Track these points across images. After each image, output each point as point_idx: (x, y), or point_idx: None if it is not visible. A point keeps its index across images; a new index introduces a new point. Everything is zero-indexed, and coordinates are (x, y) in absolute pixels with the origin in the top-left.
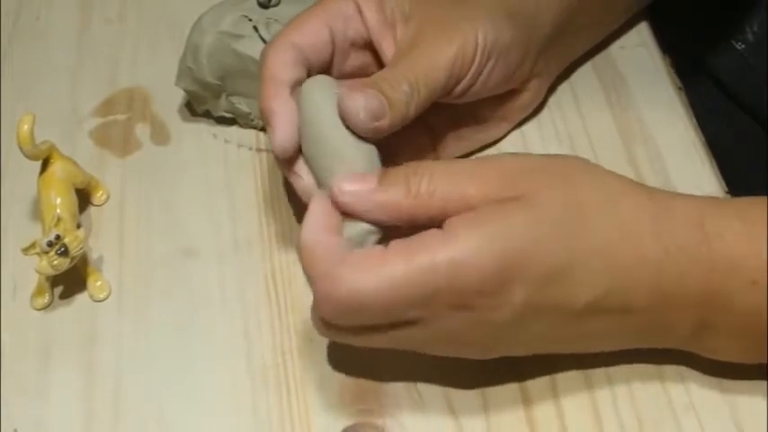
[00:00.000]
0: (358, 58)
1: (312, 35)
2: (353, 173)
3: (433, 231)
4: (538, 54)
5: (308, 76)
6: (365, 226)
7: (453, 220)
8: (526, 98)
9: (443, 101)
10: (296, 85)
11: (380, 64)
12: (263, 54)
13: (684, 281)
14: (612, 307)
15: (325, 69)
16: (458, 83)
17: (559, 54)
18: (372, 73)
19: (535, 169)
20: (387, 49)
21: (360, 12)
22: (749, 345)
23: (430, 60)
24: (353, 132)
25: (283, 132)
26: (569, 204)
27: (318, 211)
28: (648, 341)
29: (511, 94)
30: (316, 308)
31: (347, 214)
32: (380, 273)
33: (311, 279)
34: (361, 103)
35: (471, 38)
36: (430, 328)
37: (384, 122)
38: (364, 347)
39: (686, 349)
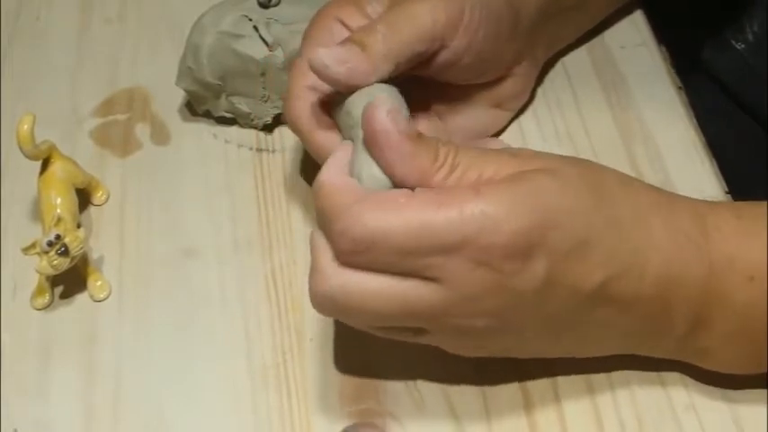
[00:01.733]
0: None
1: None
2: (390, 107)
3: (464, 186)
4: (526, 34)
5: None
6: (381, 176)
7: (483, 182)
8: (516, 84)
9: (443, 76)
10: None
11: None
12: (288, 112)
13: (688, 271)
14: (621, 292)
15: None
16: (445, 41)
17: (547, 38)
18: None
19: (550, 155)
20: None
21: (344, 25)
22: (744, 348)
23: (413, 9)
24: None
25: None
26: (588, 181)
27: (343, 156)
28: (646, 342)
29: (500, 78)
30: (332, 243)
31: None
32: (407, 213)
33: (328, 217)
34: (322, 52)
35: None
36: (446, 288)
37: (355, 64)
38: (364, 345)
39: (682, 356)
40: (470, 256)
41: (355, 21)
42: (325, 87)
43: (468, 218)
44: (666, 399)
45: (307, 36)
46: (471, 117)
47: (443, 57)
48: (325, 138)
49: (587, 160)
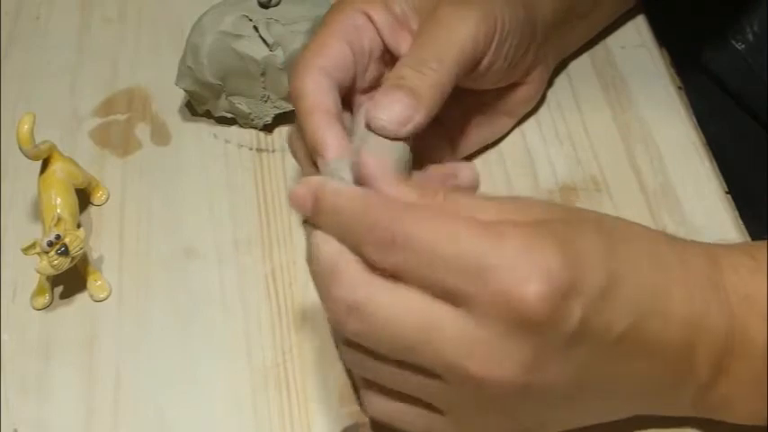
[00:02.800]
0: (376, 69)
1: (336, 56)
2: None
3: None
4: (540, 41)
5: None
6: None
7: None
8: (529, 91)
9: (464, 84)
10: (338, 111)
11: None
12: (294, 84)
13: (709, 312)
14: (647, 336)
15: (351, 87)
16: (483, 56)
17: (558, 45)
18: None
19: (543, 203)
20: (404, 49)
21: (370, 19)
22: (766, 394)
23: (453, 31)
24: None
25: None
26: (599, 229)
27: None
28: (667, 394)
29: (513, 87)
30: (363, 238)
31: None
32: (455, 225)
33: (360, 213)
34: (385, 116)
35: (490, 12)
36: (474, 318)
37: (418, 120)
38: None
39: (702, 410)
40: (502, 290)
41: (381, 16)
42: (339, 75)
43: (509, 249)
44: None
45: (328, 22)
46: (482, 124)
47: (474, 70)
48: (325, 119)
49: (593, 213)
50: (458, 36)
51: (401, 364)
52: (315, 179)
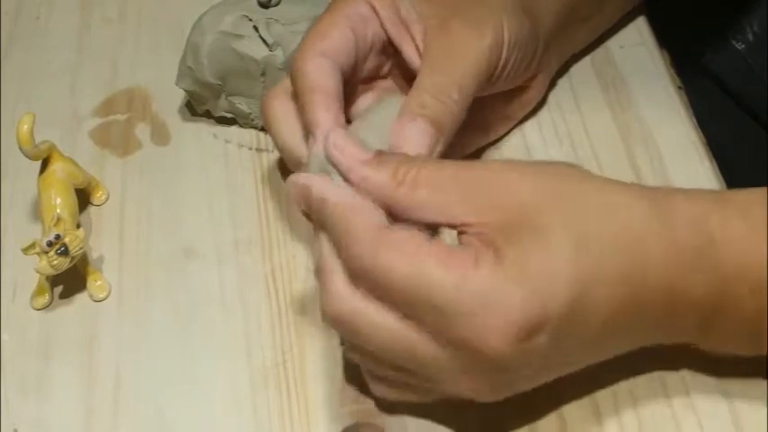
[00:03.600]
0: (374, 61)
1: (339, 41)
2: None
3: (470, 249)
4: (544, 48)
5: None
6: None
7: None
8: (530, 95)
9: None
10: (339, 94)
11: (395, 65)
12: (295, 65)
13: (695, 286)
14: (626, 322)
15: (351, 75)
16: (494, 71)
17: (560, 49)
18: (386, 74)
19: (526, 193)
20: (406, 48)
21: (375, 11)
22: (755, 342)
23: (469, 57)
24: None
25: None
26: (566, 223)
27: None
28: (653, 340)
29: (516, 91)
30: (344, 261)
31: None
32: (413, 260)
33: (343, 237)
34: (411, 147)
35: (499, 30)
36: (447, 351)
37: (439, 149)
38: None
39: (688, 341)
40: (464, 337)
41: (386, 11)
42: (340, 60)
43: (468, 294)
44: (666, 398)
45: (333, 8)
46: (482, 126)
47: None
48: (323, 99)
49: (575, 185)
50: (475, 61)
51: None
52: (301, 180)
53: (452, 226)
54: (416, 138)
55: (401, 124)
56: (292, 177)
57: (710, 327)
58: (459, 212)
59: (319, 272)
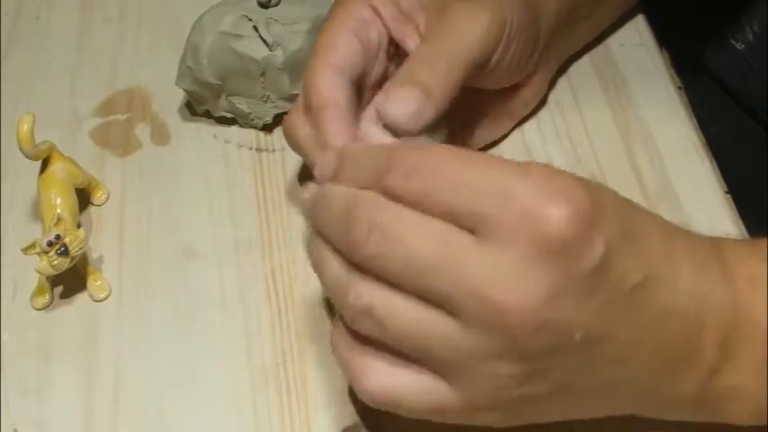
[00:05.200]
0: (382, 64)
1: (346, 51)
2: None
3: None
4: (544, 45)
5: None
6: None
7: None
8: (531, 93)
9: (468, 84)
10: (351, 106)
11: (400, 65)
12: (308, 82)
13: (715, 290)
14: (657, 297)
15: (361, 82)
16: (491, 56)
17: (560, 48)
18: (393, 73)
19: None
20: (409, 42)
21: (376, 12)
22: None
23: (463, 32)
24: None
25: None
26: (617, 194)
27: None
28: (675, 376)
29: (516, 89)
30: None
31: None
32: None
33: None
34: (399, 110)
35: (499, 13)
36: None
37: (428, 114)
38: None
39: (704, 406)
40: (527, 211)
41: (387, 9)
42: (350, 71)
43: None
44: None
45: (334, 16)
46: (483, 124)
47: (482, 70)
48: (335, 114)
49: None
50: (468, 36)
51: (415, 297)
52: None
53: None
54: (404, 100)
55: (391, 88)
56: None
57: (729, 355)
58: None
59: (345, 196)
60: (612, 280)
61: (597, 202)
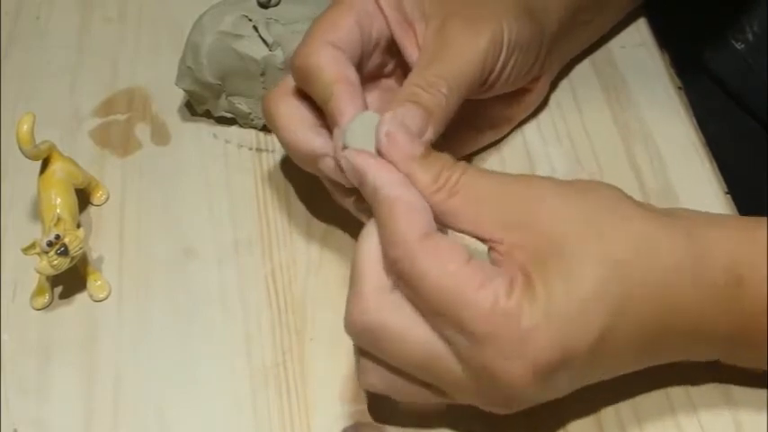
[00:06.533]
0: (377, 59)
1: (347, 33)
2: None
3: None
4: (546, 52)
5: None
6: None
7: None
8: (531, 97)
9: (468, 97)
10: (359, 83)
11: (398, 64)
12: (309, 59)
13: (720, 321)
14: (651, 352)
15: (357, 69)
16: (489, 76)
17: (561, 52)
18: (390, 74)
19: (560, 221)
20: (408, 48)
21: (381, 10)
22: None
23: (463, 55)
24: None
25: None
26: (606, 265)
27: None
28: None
29: (518, 93)
30: (384, 256)
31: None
32: (448, 271)
33: (388, 235)
34: (398, 133)
35: (498, 31)
36: (465, 371)
37: (428, 136)
38: None
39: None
40: (488, 366)
41: (391, 10)
42: (349, 53)
43: (497, 321)
44: (666, 399)
45: (339, 2)
46: (482, 128)
47: (480, 86)
48: (349, 90)
49: (609, 218)
50: (468, 60)
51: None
52: (358, 160)
53: (481, 239)
54: (408, 118)
55: (393, 106)
56: (349, 153)
57: (733, 354)
58: (488, 227)
59: (353, 271)
60: (593, 371)
61: (562, 347)
